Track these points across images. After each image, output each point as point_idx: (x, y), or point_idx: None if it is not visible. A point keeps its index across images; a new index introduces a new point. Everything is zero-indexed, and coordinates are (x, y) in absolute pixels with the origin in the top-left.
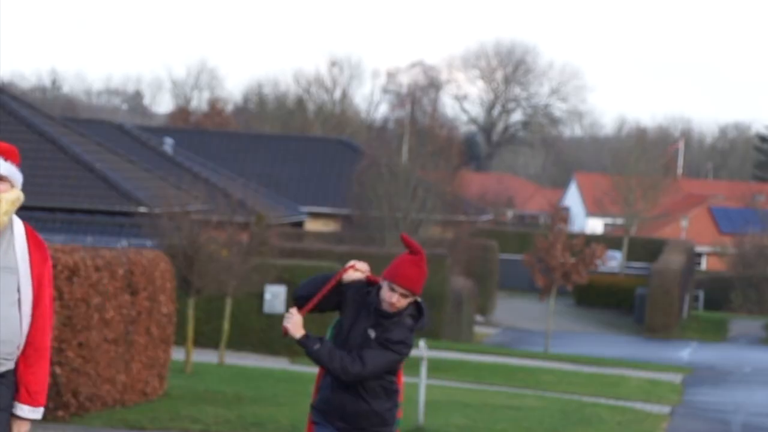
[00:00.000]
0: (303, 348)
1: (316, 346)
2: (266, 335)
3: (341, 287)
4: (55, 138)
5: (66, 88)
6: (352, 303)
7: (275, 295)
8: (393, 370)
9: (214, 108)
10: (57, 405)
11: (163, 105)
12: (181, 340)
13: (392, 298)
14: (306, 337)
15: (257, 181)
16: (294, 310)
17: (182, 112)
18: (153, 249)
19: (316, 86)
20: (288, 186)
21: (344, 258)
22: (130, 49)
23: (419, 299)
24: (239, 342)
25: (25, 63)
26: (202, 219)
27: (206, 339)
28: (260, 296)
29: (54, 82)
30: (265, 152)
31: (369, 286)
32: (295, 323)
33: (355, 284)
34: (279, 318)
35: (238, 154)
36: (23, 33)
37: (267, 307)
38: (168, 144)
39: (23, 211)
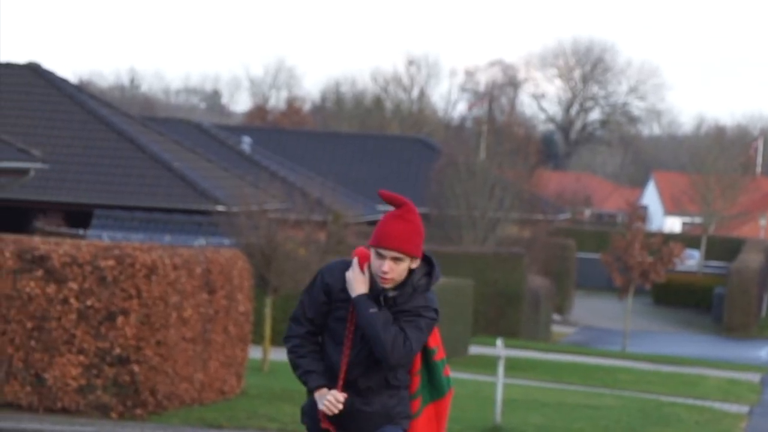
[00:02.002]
0: (355, 307)
1: (372, 309)
2: None
3: (324, 293)
4: (133, 137)
5: (144, 87)
6: (345, 299)
7: None
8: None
9: (292, 107)
10: (135, 403)
11: (241, 104)
12: (258, 339)
13: (383, 266)
14: (365, 295)
15: (334, 180)
16: (356, 265)
17: (260, 111)
18: (231, 247)
19: (394, 85)
20: (365, 184)
21: None
22: (208, 48)
23: (428, 253)
24: None
25: (104, 62)
26: (279, 217)
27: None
28: None
29: (132, 80)
30: (343, 151)
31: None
32: (359, 278)
33: (337, 278)
34: None
35: (316, 152)
36: (103, 32)
37: None
38: (246, 143)
39: (103, 210)
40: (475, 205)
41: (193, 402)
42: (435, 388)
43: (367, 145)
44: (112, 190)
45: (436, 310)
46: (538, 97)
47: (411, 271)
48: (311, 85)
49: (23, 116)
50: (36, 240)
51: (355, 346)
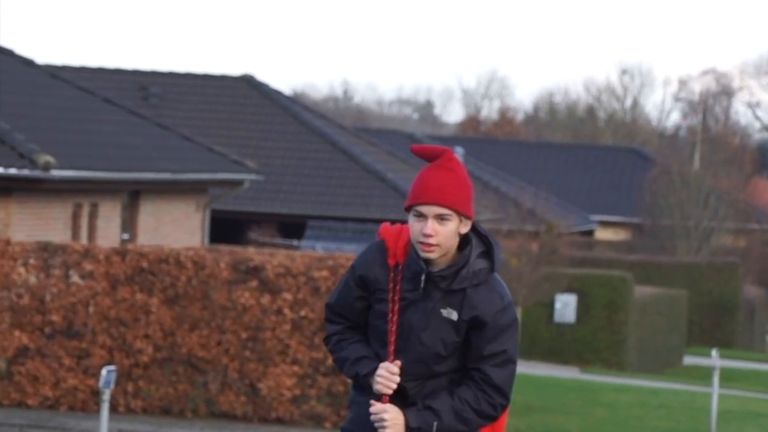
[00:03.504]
0: None
1: (436, 423)
2: (556, 344)
3: (358, 287)
4: (346, 148)
5: (357, 98)
6: (383, 285)
7: (565, 304)
8: None
9: (504, 117)
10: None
11: (453, 114)
12: None
13: (426, 228)
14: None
15: (547, 190)
16: (385, 407)
17: (472, 121)
18: None
19: (607, 94)
20: (578, 195)
21: (635, 267)
22: (421, 60)
23: (477, 226)
24: (529, 351)
25: (318, 74)
26: (492, 228)
27: None
28: (550, 305)
29: (346, 92)
30: (555, 161)
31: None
32: (395, 424)
33: (371, 264)
34: (569, 327)
35: (528, 163)
36: (317, 45)
37: (557, 317)
38: (458, 153)
39: (316, 221)
40: (689, 215)
41: None
42: None
43: (580, 155)
44: (326, 200)
45: (512, 308)
46: (753, 106)
47: (462, 245)
48: (524, 96)
49: (238, 128)
50: (250, 251)
51: (401, 351)
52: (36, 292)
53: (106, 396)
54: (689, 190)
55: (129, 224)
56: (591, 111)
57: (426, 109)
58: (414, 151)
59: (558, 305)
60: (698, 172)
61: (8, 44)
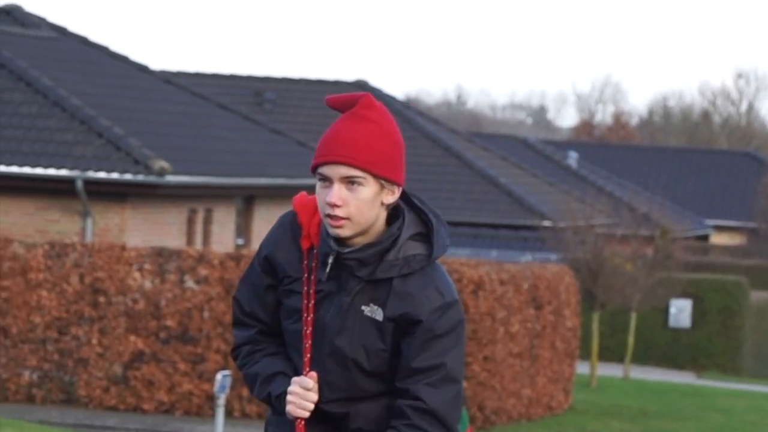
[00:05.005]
0: None
1: None
2: (671, 349)
3: (266, 273)
4: (460, 153)
5: (471, 104)
6: (293, 272)
7: (680, 309)
8: None
9: (619, 121)
10: None
11: (567, 119)
12: (585, 354)
13: (331, 196)
14: None
15: (661, 195)
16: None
17: (586, 126)
18: (557, 263)
19: (722, 99)
20: (693, 199)
21: (751, 272)
22: (534, 65)
23: (410, 195)
24: (643, 356)
25: (431, 80)
26: (606, 232)
27: (610, 353)
28: (665, 310)
29: (459, 97)
30: (670, 165)
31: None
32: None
33: (279, 244)
34: (684, 332)
35: (642, 167)
36: (431, 51)
37: (672, 321)
38: (572, 158)
39: None
40: None
41: (521, 418)
42: None
43: (695, 160)
44: (439, 205)
45: (457, 308)
46: None
47: (390, 220)
48: (637, 100)
49: None
50: None
51: (317, 361)
52: (151, 297)
53: (221, 401)
54: None
55: (243, 229)
56: (706, 115)
57: (539, 113)
58: (328, 103)
59: (673, 310)
60: None
61: (123, 51)
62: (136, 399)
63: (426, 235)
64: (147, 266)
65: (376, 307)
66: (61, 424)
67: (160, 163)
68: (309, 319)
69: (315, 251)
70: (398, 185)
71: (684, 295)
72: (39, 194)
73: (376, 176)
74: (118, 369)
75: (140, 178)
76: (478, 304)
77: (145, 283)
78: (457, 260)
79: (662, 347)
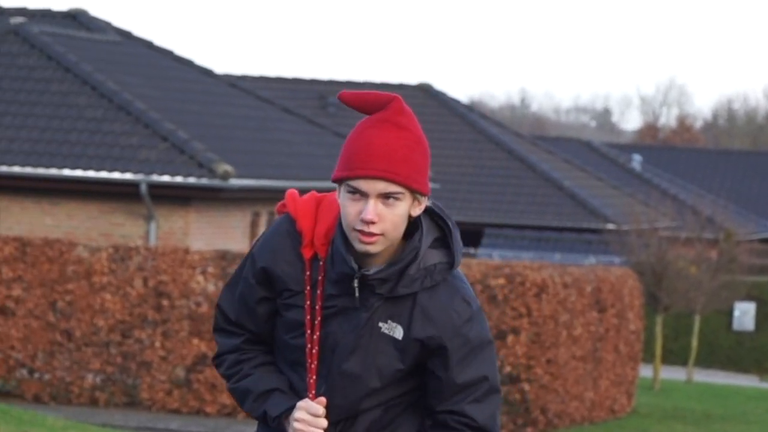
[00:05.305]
0: None
1: None
2: (735, 352)
3: (259, 284)
4: (523, 156)
5: (535, 107)
6: (294, 285)
7: (744, 312)
8: None
9: (683, 124)
10: (526, 422)
11: (631, 122)
12: (649, 357)
13: (367, 212)
14: None
15: (726, 198)
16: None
17: (650, 129)
18: (621, 266)
19: None
20: (757, 202)
21: None
22: (599, 68)
23: (430, 203)
24: (707, 359)
25: (495, 83)
26: (670, 236)
27: (674, 356)
28: (729, 313)
29: (523, 100)
30: (734, 168)
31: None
32: None
33: (276, 245)
34: (748, 335)
35: (707, 170)
36: (495, 55)
37: (736, 325)
38: (636, 161)
39: (493, 229)
40: None
41: (584, 420)
42: None
43: (759, 163)
44: (503, 208)
45: (483, 315)
46: None
47: (408, 231)
48: (702, 103)
49: None
50: None
51: (323, 381)
52: (214, 301)
53: None
54: None
55: None
56: None
57: (603, 116)
58: (345, 100)
59: (737, 313)
60: None
61: (187, 55)
62: (198, 402)
63: (443, 240)
64: (210, 269)
65: (394, 324)
66: (124, 427)
67: (224, 167)
68: (315, 337)
69: (321, 262)
70: (426, 196)
71: (748, 298)
72: (103, 198)
73: (412, 191)
74: (180, 372)
75: (204, 181)
76: (541, 307)
77: (209, 286)
78: (521, 263)
79: (726, 350)
